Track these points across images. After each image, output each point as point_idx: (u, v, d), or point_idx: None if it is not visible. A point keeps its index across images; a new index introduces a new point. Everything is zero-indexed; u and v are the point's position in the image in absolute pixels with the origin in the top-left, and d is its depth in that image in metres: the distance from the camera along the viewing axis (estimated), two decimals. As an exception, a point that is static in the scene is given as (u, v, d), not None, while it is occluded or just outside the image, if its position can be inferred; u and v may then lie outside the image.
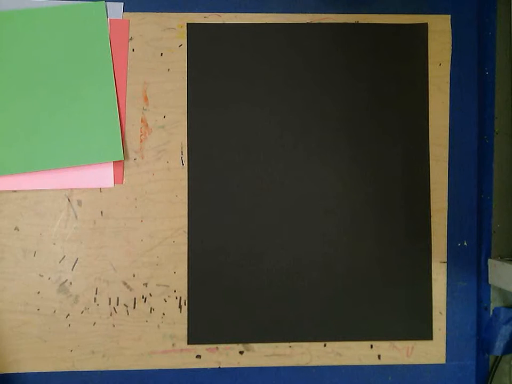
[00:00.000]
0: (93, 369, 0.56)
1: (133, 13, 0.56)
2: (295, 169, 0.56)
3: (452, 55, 0.58)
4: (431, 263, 0.58)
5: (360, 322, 0.57)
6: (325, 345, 0.57)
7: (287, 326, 0.57)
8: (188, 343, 0.56)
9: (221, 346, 0.57)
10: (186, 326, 0.56)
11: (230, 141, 0.56)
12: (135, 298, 0.56)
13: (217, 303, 0.56)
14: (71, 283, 0.56)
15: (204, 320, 0.56)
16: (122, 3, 0.56)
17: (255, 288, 0.57)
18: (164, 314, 0.56)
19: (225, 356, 0.57)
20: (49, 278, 0.56)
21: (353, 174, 0.57)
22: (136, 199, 0.56)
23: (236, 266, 0.56)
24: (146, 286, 0.56)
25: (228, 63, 0.57)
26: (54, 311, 0.56)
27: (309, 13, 0.57)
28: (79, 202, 0.56)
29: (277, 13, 0.57)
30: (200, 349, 0.57)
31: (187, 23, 0.57)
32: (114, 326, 0.56)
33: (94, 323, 0.56)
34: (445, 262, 0.58)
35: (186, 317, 0.56)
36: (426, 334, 0.57)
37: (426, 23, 0.58)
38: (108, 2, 0.56)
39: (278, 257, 0.57)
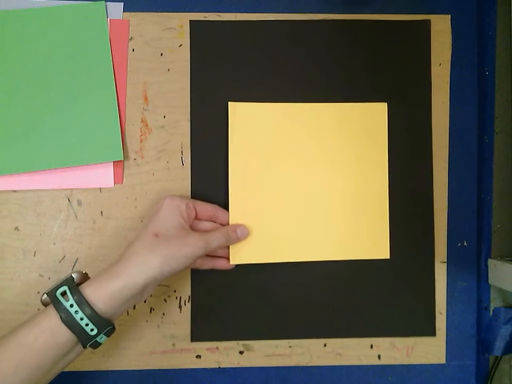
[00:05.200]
0: (93, 369, 0.56)
1: (133, 13, 0.56)
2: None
3: (451, 55, 0.58)
4: (434, 260, 0.58)
5: (361, 320, 0.57)
6: (325, 345, 0.57)
7: (287, 323, 0.57)
8: (192, 341, 0.56)
9: (221, 346, 0.57)
10: (186, 326, 0.56)
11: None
12: (135, 298, 0.56)
13: (218, 301, 0.56)
14: (71, 283, 0.56)
15: (206, 318, 0.56)
16: (122, 3, 0.56)
17: (255, 287, 0.57)
18: (164, 314, 0.56)
19: (225, 355, 0.57)
20: (49, 278, 0.55)
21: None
22: (136, 199, 0.56)
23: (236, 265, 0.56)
24: (146, 286, 0.56)
25: (230, 60, 0.57)
26: (54, 311, 0.56)
27: (309, 12, 0.57)
28: (79, 202, 0.56)
29: (277, 12, 0.57)
30: (200, 349, 0.57)
31: (190, 20, 0.56)
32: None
33: (94, 323, 0.56)
34: (445, 262, 0.58)
35: (189, 316, 0.56)
36: (429, 330, 0.57)
37: (429, 20, 0.58)
38: (107, 2, 0.56)
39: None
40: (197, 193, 0.56)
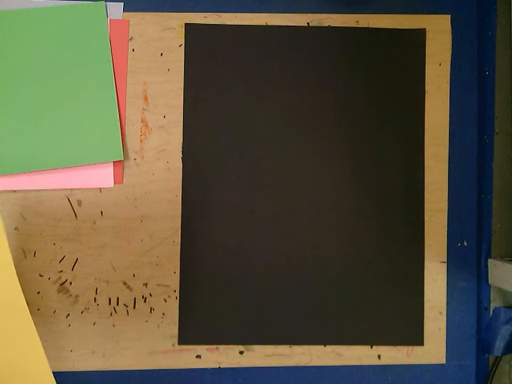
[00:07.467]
0: (93, 369, 0.56)
1: (133, 13, 0.56)
2: (291, 170, 0.56)
3: (451, 55, 0.58)
4: (424, 267, 0.57)
5: (359, 326, 0.57)
6: (325, 345, 0.57)
7: (285, 328, 0.57)
8: (179, 344, 0.56)
9: (221, 346, 0.57)
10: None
11: (226, 141, 0.56)
12: (135, 298, 0.56)
13: (215, 304, 0.56)
14: (71, 283, 0.56)
15: (202, 321, 0.56)
16: (122, 3, 0.56)
17: (253, 290, 0.56)
18: (163, 314, 0.56)
19: (225, 356, 0.57)
20: (49, 278, 0.56)
21: (349, 176, 0.57)
22: (136, 199, 0.56)
23: (233, 267, 0.56)
24: (146, 286, 0.56)
25: (225, 63, 0.57)
26: (54, 311, 0.56)
27: (308, 12, 0.57)
28: (79, 202, 0.56)
29: (277, 12, 0.57)
30: (200, 349, 0.57)
31: (185, 23, 0.57)
32: (114, 326, 0.56)
33: (94, 323, 0.56)
34: (445, 262, 0.58)
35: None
36: (417, 340, 0.57)
37: (425, 29, 0.58)
38: (108, 2, 0.56)
39: (276, 258, 0.56)
40: (189, 196, 0.56)
